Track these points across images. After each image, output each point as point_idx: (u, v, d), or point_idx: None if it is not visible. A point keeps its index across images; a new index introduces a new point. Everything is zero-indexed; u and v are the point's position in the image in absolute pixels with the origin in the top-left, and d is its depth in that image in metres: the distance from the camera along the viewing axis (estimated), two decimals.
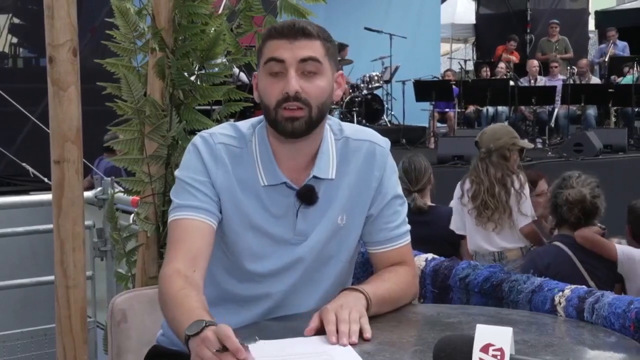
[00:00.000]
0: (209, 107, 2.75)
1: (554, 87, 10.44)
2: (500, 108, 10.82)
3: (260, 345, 1.51)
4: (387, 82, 11.18)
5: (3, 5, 9.15)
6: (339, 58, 2.51)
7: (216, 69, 2.67)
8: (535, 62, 11.60)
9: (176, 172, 1.85)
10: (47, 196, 3.26)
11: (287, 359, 1.51)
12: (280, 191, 1.80)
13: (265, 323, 1.78)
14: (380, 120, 10.89)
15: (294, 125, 1.73)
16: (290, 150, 1.80)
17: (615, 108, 11.03)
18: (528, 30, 15.22)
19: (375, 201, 1.86)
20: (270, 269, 1.82)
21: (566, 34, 13.22)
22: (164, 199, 2.56)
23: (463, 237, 4.29)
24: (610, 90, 10.40)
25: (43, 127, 3.73)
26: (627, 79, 11.28)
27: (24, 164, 5.44)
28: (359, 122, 9.82)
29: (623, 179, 7.74)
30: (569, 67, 11.69)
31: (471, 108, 11.35)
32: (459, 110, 10.95)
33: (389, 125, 10.87)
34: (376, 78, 10.86)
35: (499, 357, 1.29)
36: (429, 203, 4.23)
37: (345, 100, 10.42)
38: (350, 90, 10.62)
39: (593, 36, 17.03)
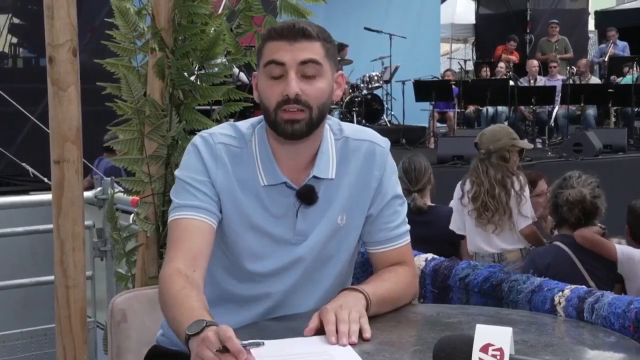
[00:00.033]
0: (208, 107, 2.75)
1: (554, 87, 10.43)
2: (500, 108, 10.82)
3: (262, 347, 1.51)
4: (387, 82, 11.18)
5: (3, 5, 9.15)
6: (338, 58, 2.51)
7: (216, 69, 2.67)
8: (535, 62, 11.59)
9: (176, 172, 1.86)
10: (47, 196, 3.26)
11: (287, 359, 1.51)
12: (280, 191, 1.80)
13: (265, 323, 1.78)
14: (380, 120, 10.89)
15: (294, 128, 1.73)
16: (290, 150, 1.80)
17: (615, 108, 11.02)
18: (528, 30, 15.22)
19: (375, 201, 1.86)
20: (270, 269, 1.82)
21: (566, 34, 13.23)
22: (164, 199, 2.56)
23: (463, 237, 4.28)
24: (610, 90, 10.39)
25: (43, 127, 3.73)
26: (627, 79, 11.28)
27: (23, 164, 5.42)
28: (358, 122, 9.82)
29: (623, 179, 7.74)
30: (568, 67, 11.70)
31: (471, 108, 11.34)
32: (459, 110, 10.94)
33: (388, 125, 10.87)
34: (376, 78, 10.87)
35: (498, 357, 1.29)
36: (429, 203, 4.23)
37: (345, 100, 10.42)
38: (350, 90, 10.62)
39: (593, 36, 17.03)
